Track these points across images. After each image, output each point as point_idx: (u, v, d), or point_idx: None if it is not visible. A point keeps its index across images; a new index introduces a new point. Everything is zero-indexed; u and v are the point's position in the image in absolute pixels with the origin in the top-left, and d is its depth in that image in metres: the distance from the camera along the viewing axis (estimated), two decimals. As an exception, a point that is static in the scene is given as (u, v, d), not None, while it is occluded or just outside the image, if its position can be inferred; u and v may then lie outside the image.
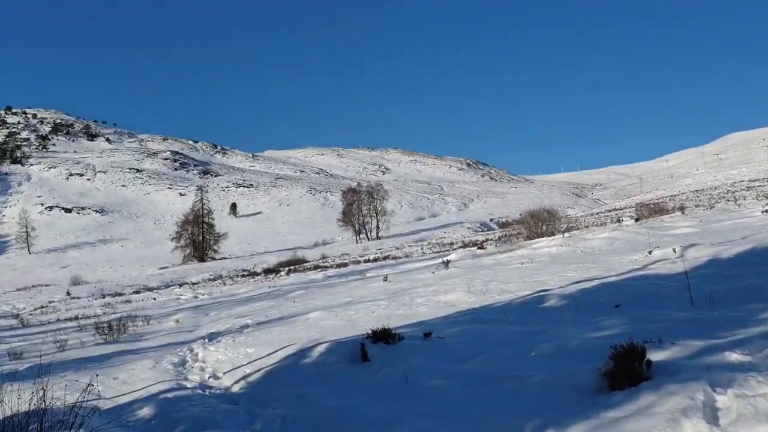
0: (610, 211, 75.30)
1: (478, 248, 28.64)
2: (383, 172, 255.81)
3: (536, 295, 9.63)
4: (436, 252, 40.40)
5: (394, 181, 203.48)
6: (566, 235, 25.08)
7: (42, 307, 34.30)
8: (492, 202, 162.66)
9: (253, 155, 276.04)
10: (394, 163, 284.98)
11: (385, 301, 12.07)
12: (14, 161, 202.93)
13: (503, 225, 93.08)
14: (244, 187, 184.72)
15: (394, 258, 40.56)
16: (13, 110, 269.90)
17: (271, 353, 8.37)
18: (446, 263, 20.18)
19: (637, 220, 31.06)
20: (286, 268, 45.91)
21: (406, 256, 40.73)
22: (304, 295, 18.52)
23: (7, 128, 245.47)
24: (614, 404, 4.33)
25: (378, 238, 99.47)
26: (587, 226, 39.75)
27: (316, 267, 42.91)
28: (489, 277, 13.72)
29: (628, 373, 4.60)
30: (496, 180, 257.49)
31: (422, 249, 52.14)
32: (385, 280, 18.03)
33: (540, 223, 32.49)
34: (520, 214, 60.55)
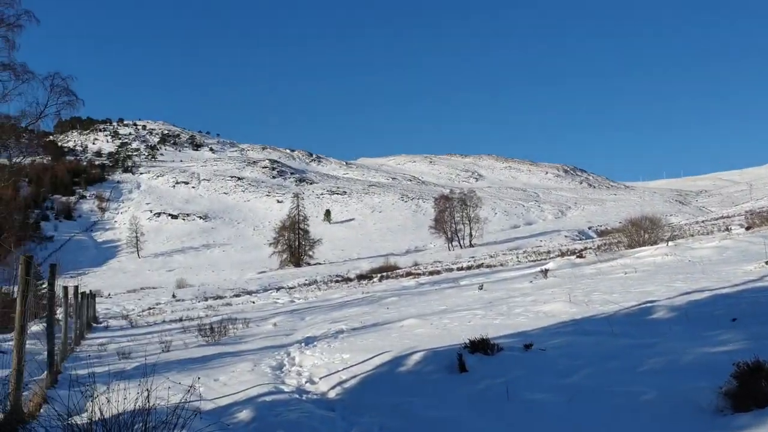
0: (716, 219, 71.58)
1: (577, 257, 27.78)
2: (476, 179, 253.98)
3: (642, 306, 9.15)
4: (533, 261, 39.52)
5: (487, 188, 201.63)
6: (671, 243, 23.97)
7: (149, 308, 35.94)
8: (590, 210, 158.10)
9: (346, 163, 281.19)
10: (487, 169, 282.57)
11: (481, 311, 11.82)
12: (126, 170, 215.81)
13: (602, 233, 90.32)
14: (337, 194, 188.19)
15: (488, 266, 39.95)
16: (125, 122, 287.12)
17: (366, 360, 8.33)
18: (545, 272, 19.65)
19: (748, 228, 29.29)
20: (379, 275, 46.17)
21: (501, 265, 40.05)
22: (397, 302, 18.47)
23: (120, 139, 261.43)
24: (739, 427, 3.99)
25: (471, 245, 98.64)
26: (692, 235, 37.92)
27: (408, 274, 42.92)
28: (590, 287, 13.23)
29: (753, 393, 4.23)
30: (594, 187, 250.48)
31: (517, 257, 51.18)
32: (481, 289, 17.72)
33: (642, 231, 31.32)
34: (620, 222, 58.55)
